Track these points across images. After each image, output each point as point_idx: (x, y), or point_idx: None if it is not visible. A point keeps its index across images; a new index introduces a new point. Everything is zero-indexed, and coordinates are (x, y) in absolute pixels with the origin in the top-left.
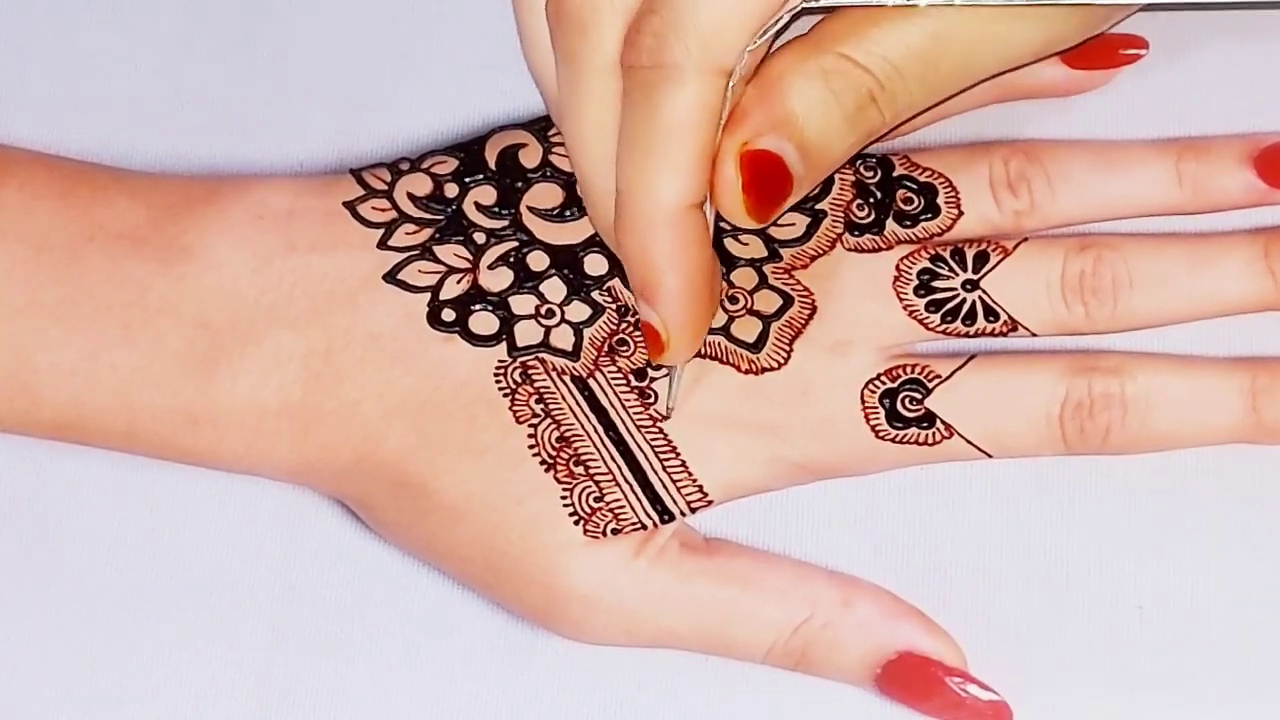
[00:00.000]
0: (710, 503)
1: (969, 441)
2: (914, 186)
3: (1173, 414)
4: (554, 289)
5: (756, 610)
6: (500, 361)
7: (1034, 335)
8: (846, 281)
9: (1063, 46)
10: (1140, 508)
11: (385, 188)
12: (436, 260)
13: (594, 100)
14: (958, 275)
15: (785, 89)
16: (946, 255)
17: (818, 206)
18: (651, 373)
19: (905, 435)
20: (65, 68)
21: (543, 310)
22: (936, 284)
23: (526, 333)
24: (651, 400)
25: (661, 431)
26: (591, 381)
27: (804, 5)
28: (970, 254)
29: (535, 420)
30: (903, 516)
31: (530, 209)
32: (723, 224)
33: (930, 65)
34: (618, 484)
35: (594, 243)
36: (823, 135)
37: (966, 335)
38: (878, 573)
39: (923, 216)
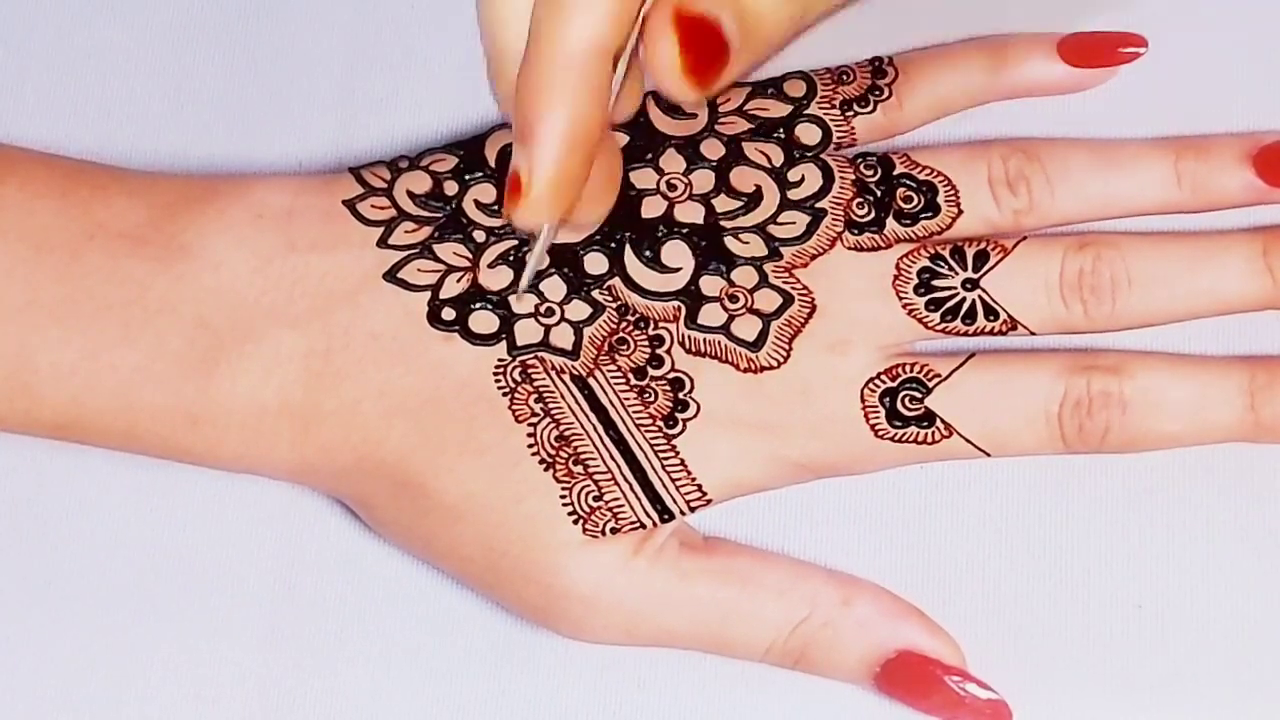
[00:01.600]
0: (709, 502)
1: (968, 440)
2: (914, 185)
3: (1171, 413)
4: (554, 288)
5: (756, 609)
6: (500, 360)
7: (1033, 334)
8: (846, 280)
9: None
10: (1140, 507)
11: (385, 186)
12: (436, 259)
13: None
14: (957, 274)
15: None
16: (946, 254)
17: (818, 205)
18: (651, 371)
19: (905, 434)
20: (65, 68)
21: (542, 309)
22: (936, 283)
23: (526, 331)
24: (652, 399)
25: (661, 431)
26: (591, 380)
27: None
28: (970, 253)
29: (535, 419)
30: (903, 516)
31: None
32: (722, 222)
33: None
34: (617, 483)
35: (594, 242)
36: (758, 3)
37: (966, 334)
38: (877, 572)
39: (922, 215)
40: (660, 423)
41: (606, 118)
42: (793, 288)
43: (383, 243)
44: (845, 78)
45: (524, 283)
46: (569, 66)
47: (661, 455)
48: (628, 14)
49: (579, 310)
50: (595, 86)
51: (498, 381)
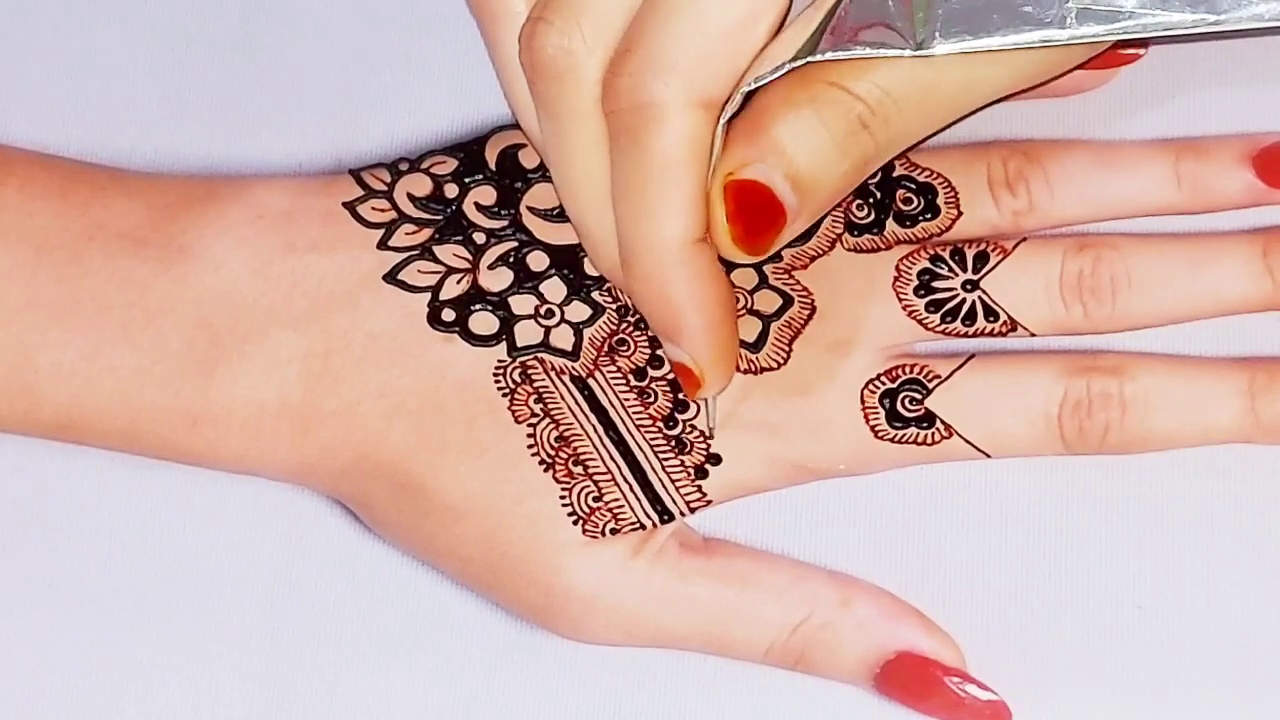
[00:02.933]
0: (709, 502)
1: (968, 441)
2: (913, 186)
3: (1171, 414)
4: (554, 289)
5: (755, 610)
6: (500, 361)
7: (1033, 335)
8: (846, 281)
9: (1058, 72)
10: (1140, 508)
11: (385, 188)
12: (436, 260)
13: (580, 146)
14: (957, 275)
15: (771, 118)
16: (946, 255)
17: None
18: (651, 372)
19: (905, 435)
20: (65, 68)
21: (542, 310)
22: (936, 284)
23: (526, 333)
24: (651, 400)
25: (661, 431)
26: (591, 381)
27: (806, 59)
28: (970, 254)
29: (534, 420)
30: (903, 516)
31: (530, 209)
32: None
33: (924, 92)
34: (617, 484)
35: None
36: (813, 163)
37: (966, 335)
38: (877, 573)
39: (922, 217)
40: (660, 423)
41: (727, 287)
42: (792, 289)
43: (383, 244)
44: None
45: (710, 422)
46: (678, 263)
47: (662, 456)
48: (703, 194)
49: (579, 311)
50: (710, 269)
51: (497, 382)
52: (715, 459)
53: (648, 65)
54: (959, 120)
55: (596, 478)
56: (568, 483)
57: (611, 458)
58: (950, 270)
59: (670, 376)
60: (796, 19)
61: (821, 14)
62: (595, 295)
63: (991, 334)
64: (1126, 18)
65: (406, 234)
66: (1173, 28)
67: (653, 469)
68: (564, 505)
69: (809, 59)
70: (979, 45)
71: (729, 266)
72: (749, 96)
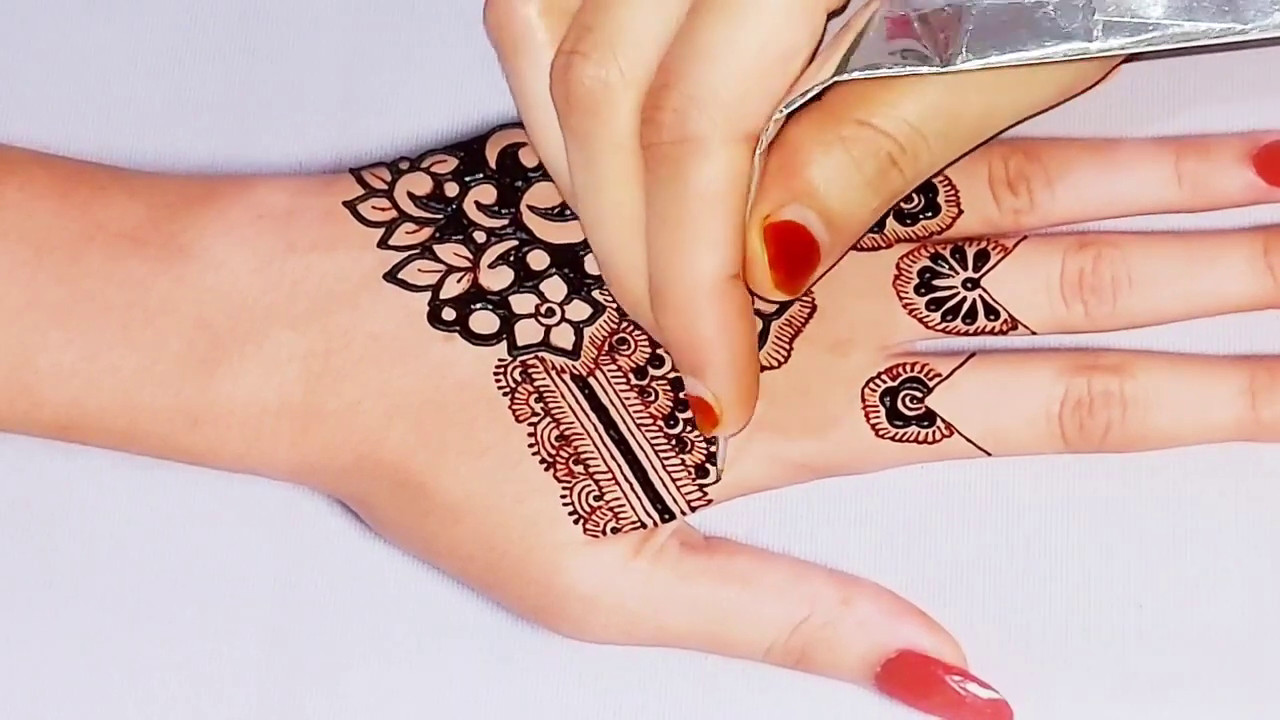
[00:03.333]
0: (710, 502)
1: (969, 440)
2: None
3: (1172, 412)
4: (554, 288)
5: (756, 609)
6: (500, 360)
7: (1034, 333)
8: (846, 280)
9: (1078, 90)
10: (1140, 507)
11: (385, 187)
12: (437, 259)
13: (611, 179)
14: (958, 274)
15: (805, 159)
16: (946, 254)
17: None
18: (652, 371)
19: (905, 434)
20: (65, 68)
21: (543, 309)
22: (937, 282)
23: (527, 332)
24: (652, 399)
25: (662, 430)
26: (592, 380)
27: (837, 78)
28: (970, 252)
29: (535, 419)
30: (903, 516)
31: (530, 208)
32: None
33: (950, 122)
34: (617, 483)
35: None
36: (845, 203)
37: (967, 334)
38: (877, 571)
39: (923, 215)
40: (661, 422)
41: (754, 327)
42: None
43: (383, 244)
44: None
45: (721, 465)
46: (710, 298)
47: (662, 455)
48: (742, 227)
49: (579, 310)
50: (738, 306)
51: (498, 381)
52: (715, 458)
53: (691, 100)
54: (982, 145)
55: (597, 477)
56: (568, 482)
57: (612, 457)
58: (951, 269)
59: (671, 375)
60: (827, 45)
61: (851, 36)
62: (596, 294)
63: (992, 332)
64: (1153, 29)
65: (407, 233)
66: (1198, 38)
67: (653, 468)
68: (565, 504)
69: (838, 78)
70: (1006, 60)
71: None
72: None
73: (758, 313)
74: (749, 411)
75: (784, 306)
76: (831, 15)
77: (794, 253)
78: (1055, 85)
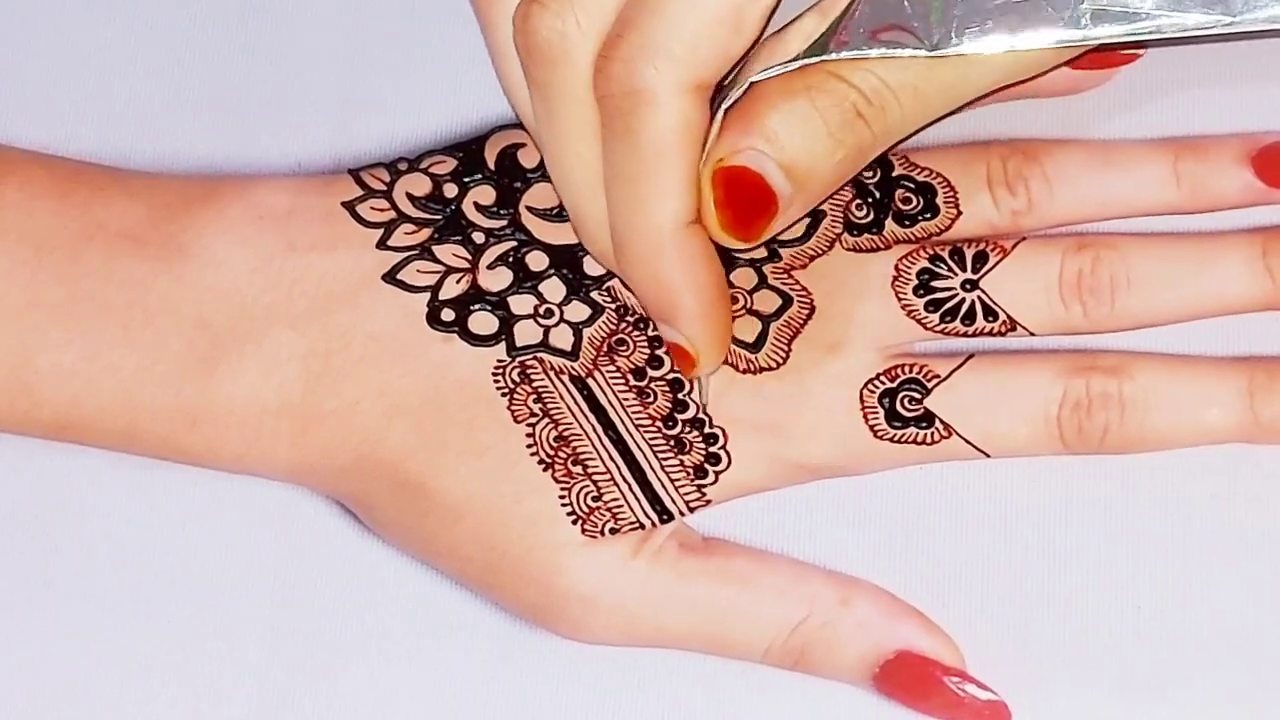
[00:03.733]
0: (709, 502)
1: (967, 441)
2: (912, 186)
3: (1171, 414)
4: (553, 289)
5: (755, 610)
6: (499, 361)
7: (1032, 335)
8: (845, 281)
9: (1055, 64)
10: (1139, 508)
11: (384, 188)
12: (435, 260)
13: (573, 130)
14: (956, 275)
15: (765, 106)
16: (945, 255)
17: (817, 207)
18: (651, 372)
19: (904, 435)
20: (65, 68)
21: (542, 310)
22: (935, 284)
23: (525, 332)
24: (651, 400)
25: (660, 431)
26: (591, 381)
27: (821, 58)
28: (969, 254)
29: (534, 420)
30: (902, 516)
31: (529, 209)
32: None
33: (922, 80)
34: (616, 483)
35: None
36: (807, 152)
37: (965, 335)
38: (877, 572)
39: (921, 216)
40: (660, 423)
41: (719, 269)
42: (791, 289)
43: (382, 244)
44: None
45: (704, 398)
46: (672, 246)
47: (661, 456)
48: (694, 178)
49: (578, 311)
50: (703, 251)
51: (497, 382)
52: (715, 459)
53: (639, 50)
54: (956, 111)
55: (596, 477)
56: (567, 482)
57: (611, 457)
58: (949, 270)
59: (670, 376)
60: (811, 8)
61: (837, 10)
62: (594, 295)
63: (991, 334)
64: (1142, 19)
65: (406, 234)
66: (1188, 29)
67: (652, 469)
68: (563, 505)
69: (821, 58)
70: (994, 45)
71: (725, 255)
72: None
73: (756, 313)
74: (723, 349)
75: (783, 307)
76: None
77: (747, 198)
78: (1031, 58)
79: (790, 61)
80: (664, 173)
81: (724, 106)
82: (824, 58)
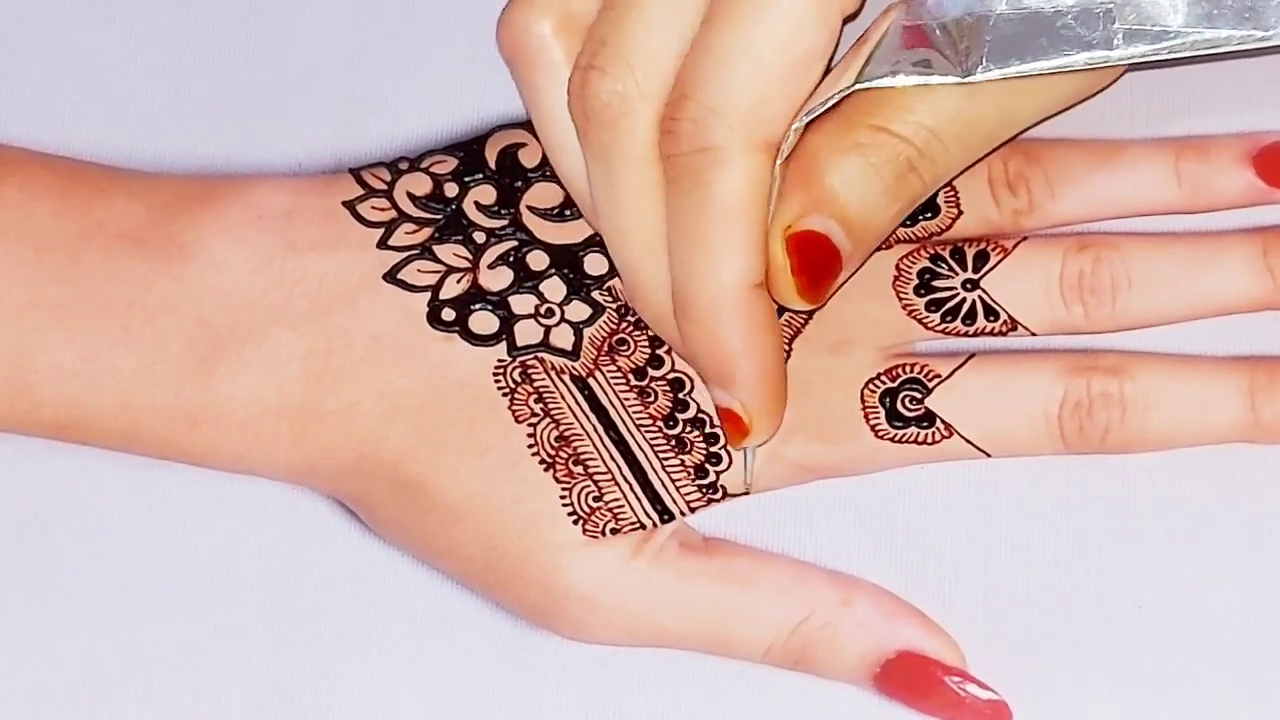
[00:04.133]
0: (709, 502)
1: (968, 441)
2: None
3: (1171, 413)
4: (554, 288)
5: (755, 610)
6: (500, 361)
7: (1033, 334)
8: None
9: (1092, 92)
10: (1140, 508)
11: (385, 187)
12: (436, 260)
13: (633, 193)
14: (957, 275)
15: (823, 166)
16: (946, 255)
17: None
18: (652, 372)
19: (905, 435)
20: (65, 68)
21: (542, 310)
22: (936, 283)
23: (526, 332)
24: (652, 399)
25: (661, 431)
26: (591, 381)
27: (857, 86)
28: (970, 253)
29: (534, 420)
30: (902, 516)
31: (530, 208)
32: None
33: (967, 125)
34: (617, 483)
35: (594, 242)
36: (865, 209)
37: (966, 334)
38: (877, 572)
39: (922, 216)
40: (660, 423)
41: (780, 333)
42: None
43: (383, 244)
44: None
45: (748, 476)
46: (736, 308)
47: (662, 456)
48: (762, 238)
49: (579, 311)
50: (764, 314)
51: (497, 382)
52: (716, 458)
53: (709, 110)
54: (1002, 145)
55: (597, 477)
56: (568, 482)
57: (611, 457)
58: (950, 269)
59: (670, 376)
60: (845, 54)
61: (870, 45)
62: (595, 295)
63: (992, 333)
64: (1173, 37)
65: (406, 233)
66: (1219, 45)
67: (653, 469)
68: (564, 505)
69: (856, 87)
70: (1027, 70)
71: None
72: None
73: None
74: (778, 419)
75: (783, 308)
76: (847, 20)
77: (816, 261)
78: (1071, 87)
79: (830, 97)
80: (735, 232)
81: (779, 160)
82: (861, 85)
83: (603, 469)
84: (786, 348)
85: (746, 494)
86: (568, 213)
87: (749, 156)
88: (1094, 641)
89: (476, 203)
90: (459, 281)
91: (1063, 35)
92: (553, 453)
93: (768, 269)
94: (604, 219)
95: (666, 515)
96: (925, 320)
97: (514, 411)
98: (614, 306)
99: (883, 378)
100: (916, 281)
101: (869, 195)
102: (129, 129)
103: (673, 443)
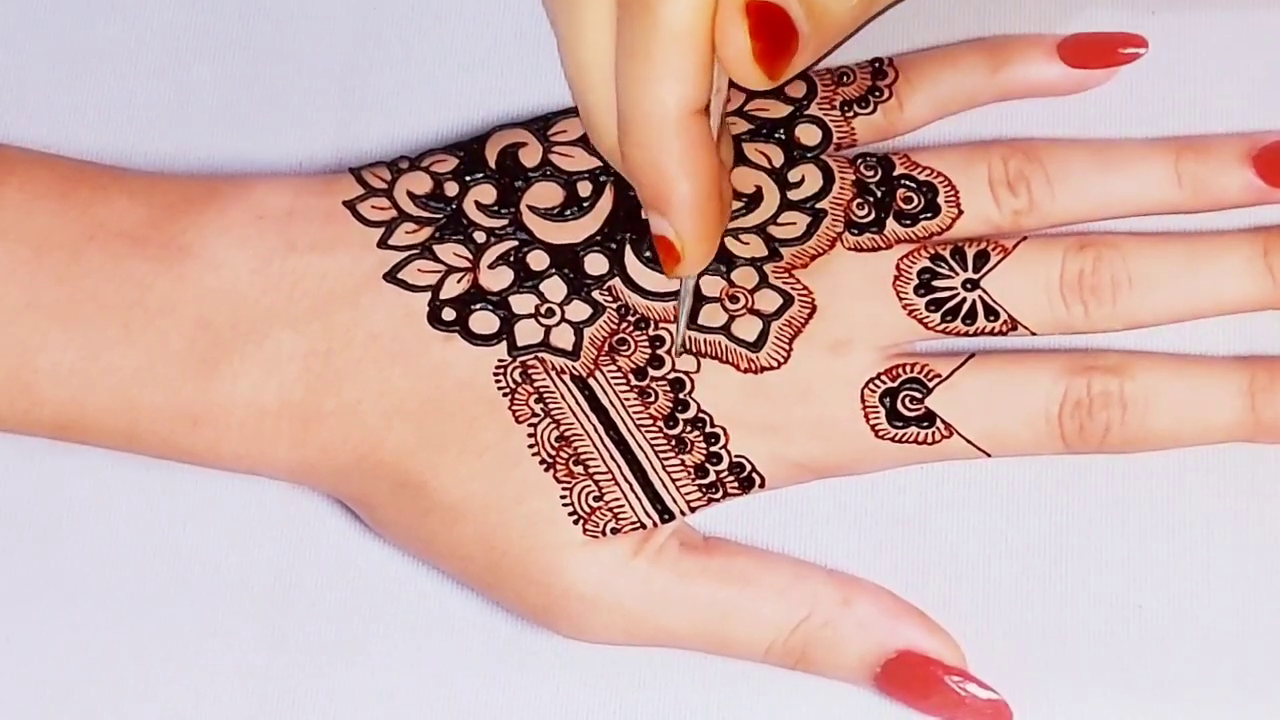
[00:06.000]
0: (709, 502)
1: (968, 440)
2: (914, 185)
3: (1172, 413)
4: (554, 288)
5: (756, 609)
6: (500, 361)
7: (1033, 334)
8: (846, 281)
9: None
10: (1140, 507)
11: (385, 186)
12: (436, 259)
13: (590, 19)
14: (958, 274)
15: None
16: (946, 254)
17: (818, 206)
18: (652, 372)
19: (905, 434)
20: (65, 68)
21: (543, 309)
22: (937, 283)
23: (526, 332)
24: (652, 399)
25: (661, 431)
26: (592, 381)
27: None
28: (970, 253)
29: (535, 419)
30: (903, 516)
31: (530, 208)
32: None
33: None
34: (617, 483)
35: (594, 242)
36: None
37: (966, 334)
38: (878, 572)
39: (923, 216)
40: (661, 423)
41: (718, 164)
42: (793, 288)
43: (383, 243)
44: (845, 79)
45: (679, 338)
46: (675, 131)
47: (662, 455)
48: (707, 65)
49: (579, 311)
50: (702, 142)
51: (498, 382)
52: (716, 458)
53: None
54: None
55: (597, 477)
56: (568, 482)
57: (612, 457)
58: (951, 269)
59: (671, 376)
60: None
61: None
62: (595, 295)
63: (992, 333)
64: None
65: (407, 232)
66: None
67: (653, 468)
68: (564, 505)
69: None
70: None
71: (726, 255)
72: None
73: (757, 312)
74: (710, 249)
75: (784, 307)
76: None
77: (773, 35)
78: None
79: None
80: (678, 55)
81: None
82: None
83: (603, 469)
84: (787, 348)
85: (680, 355)
86: (568, 213)
87: None
88: (1094, 641)
89: (477, 202)
90: (459, 281)
91: None
92: (553, 452)
93: (719, 44)
94: (563, 45)
95: (666, 515)
96: (925, 320)
97: (514, 411)
98: (614, 306)
99: (883, 377)
100: (916, 281)
101: None
102: (129, 129)
103: (673, 443)
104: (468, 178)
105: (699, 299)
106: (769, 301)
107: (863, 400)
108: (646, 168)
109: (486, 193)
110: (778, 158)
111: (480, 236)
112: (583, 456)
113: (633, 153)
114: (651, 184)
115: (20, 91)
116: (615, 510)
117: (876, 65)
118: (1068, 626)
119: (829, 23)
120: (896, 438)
